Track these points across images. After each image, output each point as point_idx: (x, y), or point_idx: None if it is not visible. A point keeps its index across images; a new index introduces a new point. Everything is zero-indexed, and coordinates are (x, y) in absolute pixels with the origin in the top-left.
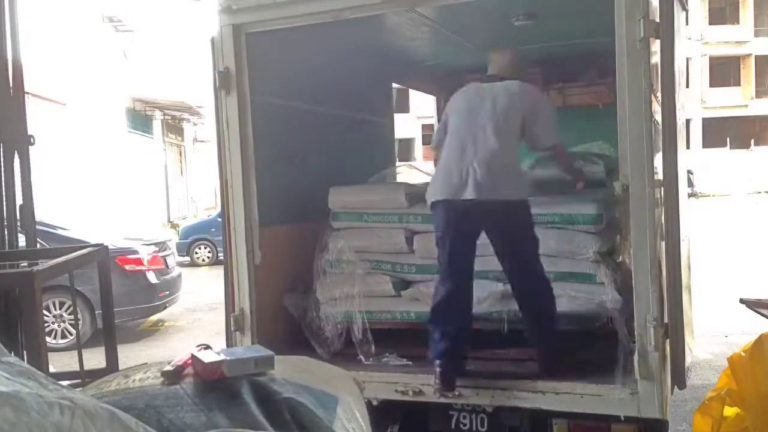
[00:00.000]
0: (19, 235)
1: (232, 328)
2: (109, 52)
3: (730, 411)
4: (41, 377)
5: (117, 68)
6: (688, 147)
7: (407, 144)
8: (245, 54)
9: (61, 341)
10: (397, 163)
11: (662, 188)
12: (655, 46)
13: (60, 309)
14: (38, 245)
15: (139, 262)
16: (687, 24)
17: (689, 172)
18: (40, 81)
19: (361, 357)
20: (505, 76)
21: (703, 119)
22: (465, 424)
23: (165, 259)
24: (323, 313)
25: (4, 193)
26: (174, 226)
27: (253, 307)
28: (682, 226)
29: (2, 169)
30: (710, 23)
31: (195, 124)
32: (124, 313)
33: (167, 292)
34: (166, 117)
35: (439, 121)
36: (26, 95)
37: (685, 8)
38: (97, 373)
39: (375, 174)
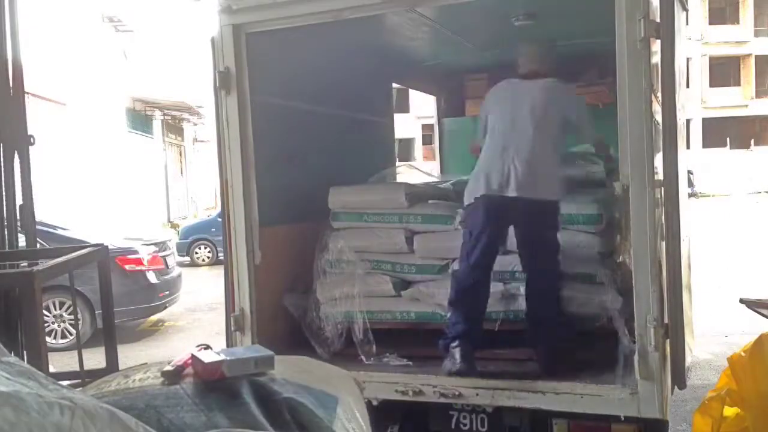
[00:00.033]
0: (19, 235)
1: (232, 328)
2: (109, 52)
3: (730, 411)
4: (41, 377)
5: (117, 68)
6: (688, 147)
7: (407, 144)
8: (245, 54)
9: (61, 341)
10: (397, 163)
11: (662, 188)
12: (656, 46)
13: (60, 309)
14: (38, 245)
15: (139, 262)
16: (687, 24)
17: (689, 172)
18: (40, 81)
19: (362, 357)
20: (539, 73)
21: (703, 119)
22: (465, 424)
23: (165, 259)
24: (323, 313)
25: (4, 193)
26: (174, 226)
27: (253, 307)
28: (682, 226)
29: (2, 169)
30: (710, 23)
31: (195, 124)
32: (124, 313)
33: (167, 292)
34: (166, 117)
35: (478, 118)
36: (26, 95)
37: (685, 8)
38: (97, 373)
39: (375, 174)
